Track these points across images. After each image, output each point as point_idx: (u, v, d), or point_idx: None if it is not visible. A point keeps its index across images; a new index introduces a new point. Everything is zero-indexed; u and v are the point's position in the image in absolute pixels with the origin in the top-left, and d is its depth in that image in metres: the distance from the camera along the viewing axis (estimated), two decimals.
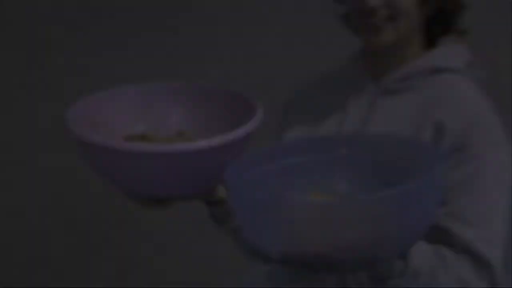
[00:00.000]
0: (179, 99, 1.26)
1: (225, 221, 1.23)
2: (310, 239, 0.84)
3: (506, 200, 1.15)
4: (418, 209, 0.87)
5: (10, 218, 2.80)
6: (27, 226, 2.81)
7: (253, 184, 1.00)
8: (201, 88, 1.28)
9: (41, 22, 2.93)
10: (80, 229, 2.83)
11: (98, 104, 1.21)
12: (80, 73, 2.88)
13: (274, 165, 1.08)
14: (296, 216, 0.84)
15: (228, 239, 1.28)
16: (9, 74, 2.91)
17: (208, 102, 1.26)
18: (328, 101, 1.30)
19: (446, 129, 1.13)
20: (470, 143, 1.12)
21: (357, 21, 1.19)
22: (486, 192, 1.12)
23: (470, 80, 1.21)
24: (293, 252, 0.87)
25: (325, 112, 1.29)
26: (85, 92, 1.18)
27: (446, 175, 1.01)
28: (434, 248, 1.07)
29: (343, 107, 1.25)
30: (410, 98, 1.20)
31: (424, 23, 1.23)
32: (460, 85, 1.19)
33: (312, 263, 0.89)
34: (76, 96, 1.16)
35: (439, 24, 1.24)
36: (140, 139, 1.19)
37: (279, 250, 0.89)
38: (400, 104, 1.20)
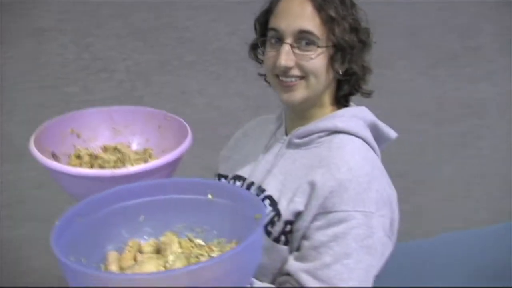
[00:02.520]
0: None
1: None
2: None
3: (369, 264, 1.17)
4: (238, 272, 0.98)
5: None
6: None
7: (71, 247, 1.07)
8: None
9: None
10: None
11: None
12: None
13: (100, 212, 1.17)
14: None
15: None
16: None
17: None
18: (257, 141, 1.40)
19: (317, 189, 1.18)
20: (337, 206, 1.15)
21: (273, 80, 1.25)
22: (348, 255, 1.15)
23: (362, 143, 1.25)
24: None
25: (250, 149, 1.41)
26: None
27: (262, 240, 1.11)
28: None
29: (264, 147, 1.35)
30: (306, 153, 1.27)
31: (334, 83, 1.27)
32: (349, 147, 1.23)
33: None
34: None
35: (346, 85, 1.27)
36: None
37: None
38: (297, 157, 1.27)
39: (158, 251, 1.22)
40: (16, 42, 3.72)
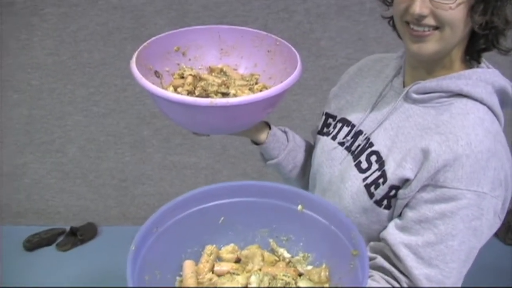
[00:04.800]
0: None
1: (266, 159, 1.50)
2: None
3: (472, 246, 1.09)
4: None
5: None
6: None
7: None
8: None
9: None
10: None
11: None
12: None
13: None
14: None
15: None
16: None
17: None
18: (371, 85, 1.34)
19: (430, 159, 1.09)
20: (449, 181, 1.06)
21: (402, 27, 1.16)
22: (453, 237, 1.06)
23: (487, 111, 1.12)
24: None
25: (363, 91, 1.35)
26: None
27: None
28: None
29: (378, 95, 1.28)
30: (422, 112, 1.17)
31: (467, 38, 1.16)
32: (472, 117, 1.11)
33: None
34: None
35: (482, 39, 1.15)
36: (219, 71, 1.33)
37: None
38: (412, 114, 1.18)
39: (238, 260, 1.20)
40: None
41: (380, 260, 1.16)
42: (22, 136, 3.77)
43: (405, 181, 1.14)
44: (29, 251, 3.80)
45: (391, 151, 1.17)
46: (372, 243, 1.21)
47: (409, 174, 1.12)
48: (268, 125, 1.48)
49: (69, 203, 4.00)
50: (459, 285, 1.14)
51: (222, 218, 1.19)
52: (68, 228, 3.94)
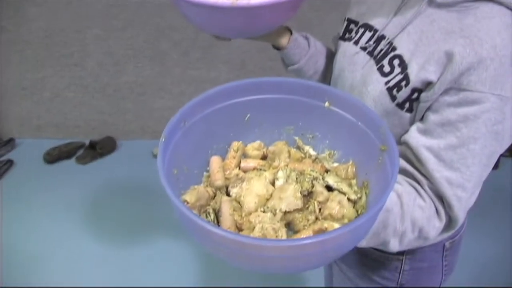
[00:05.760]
0: None
1: (287, 65, 1.50)
2: None
3: (493, 151, 1.09)
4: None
5: None
6: None
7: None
8: None
9: None
10: None
11: None
12: None
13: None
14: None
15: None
16: None
17: None
18: None
19: (454, 62, 1.06)
20: (472, 84, 1.04)
21: None
22: (476, 140, 1.06)
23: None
24: None
25: None
26: None
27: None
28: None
29: (404, 2, 1.24)
30: (447, 16, 1.13)
31: None
32: (497, 20, 1.07)
33: None
34: None
35: None
36: None
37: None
38: (436, 18, 1.15)
39: (264, 157, 1.19)
40: None
41: (402, 163, 1.17)
42: (41, 50, 3.77)
43: (428, 84, 1.12)
44: (49, 164, 3.87)
45: (414, 54, 1.15)
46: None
47: (432, 76, 1.11)
48: (290, 31, 1.47)
49: (88, 117, 4.04)
50: (479, 189, 1.15)
51: (248, 115, 1.18)
52: (87, 142, 3.99)
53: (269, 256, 0.87)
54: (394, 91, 1.17)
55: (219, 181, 1.12)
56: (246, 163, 1.17)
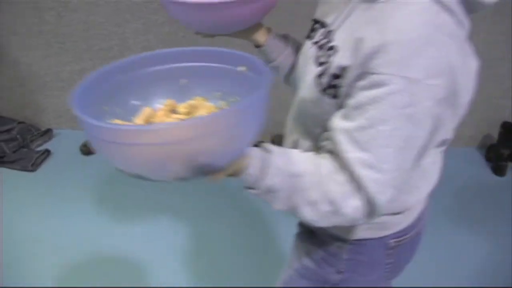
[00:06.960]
0: None
1: (266, 61, 1.61)
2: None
3: (409, 134, 1.09)
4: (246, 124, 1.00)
5: None
6: None
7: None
8: None
9: None
10: None
11: None
12: None
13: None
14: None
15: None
16: None
17: None
18: None
19: (362, 47, 1.10)
20: (377, 67, 1.06)
21: None
22: (384, 121, 1.06)
23: (434, 3, 1.09)
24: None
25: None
26: None
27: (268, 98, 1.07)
28: (311, 162, 1.18)
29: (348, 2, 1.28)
30: (373, 7, 1.16)
31: None
32: (411, 8, 1.08)
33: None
34: None
35: None
36: None
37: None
38: (365, 10, 1.19)
39: (190, 113, 1.26)
40: None
41: (330, 146, 1.20)
42: (80, 42, 3.81)
43: (343, 69, 1.16)
44: (85, 155, 3.92)
45: (343, 44, 1.20)
46: (325, 133, 1.25)
47: (345, 61, 1.15)
48: (269, 30, 1.59)
49: None
50: (404, 175, 1.15)
51: (182, 81, 1.27)
52: None
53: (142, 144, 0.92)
54: (320, 78, 1.24)
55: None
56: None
